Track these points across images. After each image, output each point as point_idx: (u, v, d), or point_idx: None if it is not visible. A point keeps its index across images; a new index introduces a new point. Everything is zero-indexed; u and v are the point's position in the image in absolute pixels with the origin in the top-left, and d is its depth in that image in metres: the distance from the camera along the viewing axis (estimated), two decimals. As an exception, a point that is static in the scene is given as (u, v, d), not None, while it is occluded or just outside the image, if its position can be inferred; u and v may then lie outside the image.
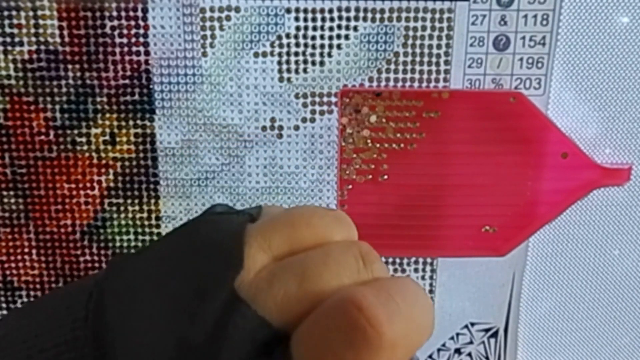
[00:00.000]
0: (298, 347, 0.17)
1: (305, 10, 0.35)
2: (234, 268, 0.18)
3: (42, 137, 0.37)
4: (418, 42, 0.36)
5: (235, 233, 0.19)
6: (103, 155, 0.37)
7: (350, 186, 0.38)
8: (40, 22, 0.35)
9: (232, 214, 0.22)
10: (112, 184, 0.38)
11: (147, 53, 0.36)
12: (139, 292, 0.19)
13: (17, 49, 0.35)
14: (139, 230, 0.39)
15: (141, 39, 0.36)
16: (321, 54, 0.36)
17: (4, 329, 0.20)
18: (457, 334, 0.41)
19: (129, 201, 0.38)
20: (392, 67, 0.36)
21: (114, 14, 0.35)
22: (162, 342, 0.18)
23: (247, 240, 0.19)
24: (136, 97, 0.36)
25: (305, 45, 0.36)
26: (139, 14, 0.35)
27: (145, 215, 0.38)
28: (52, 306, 0.20)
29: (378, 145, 0.37)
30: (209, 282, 0.18)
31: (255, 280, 0.18)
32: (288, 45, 0.36)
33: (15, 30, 0.35)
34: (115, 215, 0.38)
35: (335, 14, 0.35)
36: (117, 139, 0.37)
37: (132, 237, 0.39)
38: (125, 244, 0.39)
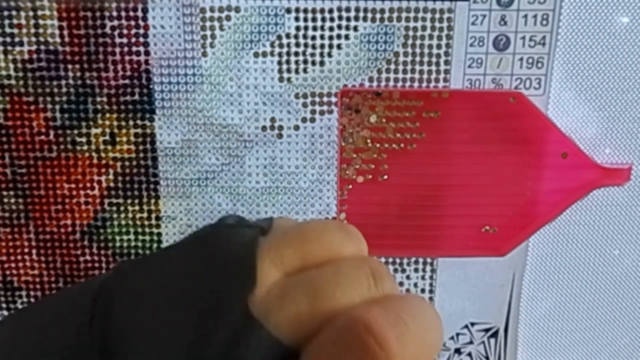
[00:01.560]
0: None
1: (305, 10, 0.35)
2: (247, 285, 0.18)
3: (42, 137, 0.37)
4: (418, 42, 0.36)
5: (247, 248, 0.19)
6: (103, 155, 0.37)
7: (350, 186, 0.38)
8: (40, 22, 0.35)
9: (244, 227, 0.22)
10: (112, 184, 0.38)
11: (147, 53, 0.36)
12: (150, 301, 0.19)
13: (17, 49, 0.35)
14: (139, 230, 0.39)
15: (141, 39, 0.36)
16: (321, 54, 0.36)
17: (5, 333, 0.20)
18: (457, 334, 0.41)
19: (129, 201, 0.38)
20: (392, 67, 0.36)
21: (114, 14, 0.35)
22: (172, 356, 0.18)
23: (260, 255, 0.19)
24: (136, 97, 0.36)
25: (305, 45, 0.36)
26: (139, 14, 0.35)
27: (145, 215, 0.38)
28: (55, 310, 0.20)
29: (378, 145, 0.37)
30: (223, 299, 0.18)
31: (267, 297, 0.18)
32: (288, 45, 0.36)
33: (15, 30, 0.35)
34: (115, 215, 0.38)
35: (335, 14, 0.35)
36: (117, 139, 0.37)
37: (132, 237, 0.39)
38: (125, 244, 0.39)
